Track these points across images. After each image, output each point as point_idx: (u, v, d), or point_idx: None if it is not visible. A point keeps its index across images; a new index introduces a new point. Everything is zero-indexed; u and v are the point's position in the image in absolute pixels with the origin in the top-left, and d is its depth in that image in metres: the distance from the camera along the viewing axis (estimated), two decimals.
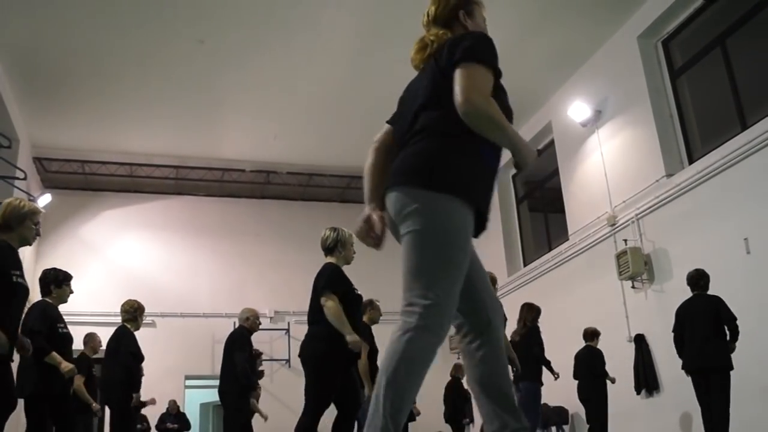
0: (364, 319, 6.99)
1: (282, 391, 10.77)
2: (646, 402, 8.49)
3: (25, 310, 4.86)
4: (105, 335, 12.05)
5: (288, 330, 13.12)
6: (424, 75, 2.60)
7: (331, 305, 4.63)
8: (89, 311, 12.28)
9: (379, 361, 2.42)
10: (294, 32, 9.15)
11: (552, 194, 11.62)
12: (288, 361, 12.90)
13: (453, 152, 2.36)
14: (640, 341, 8.51)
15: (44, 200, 11.59)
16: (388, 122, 2.86)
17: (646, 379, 8.42)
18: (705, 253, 7.39)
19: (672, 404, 7.91)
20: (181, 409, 11.76)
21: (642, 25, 9.05)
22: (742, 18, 7.89)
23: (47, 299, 5.62)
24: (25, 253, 11.39)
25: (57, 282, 5.71)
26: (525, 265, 11.97)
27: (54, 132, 11.57)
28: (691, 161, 8.45)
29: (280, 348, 13.08)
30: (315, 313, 4.79)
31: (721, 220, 7.46)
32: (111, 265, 12.88)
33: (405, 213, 2.39)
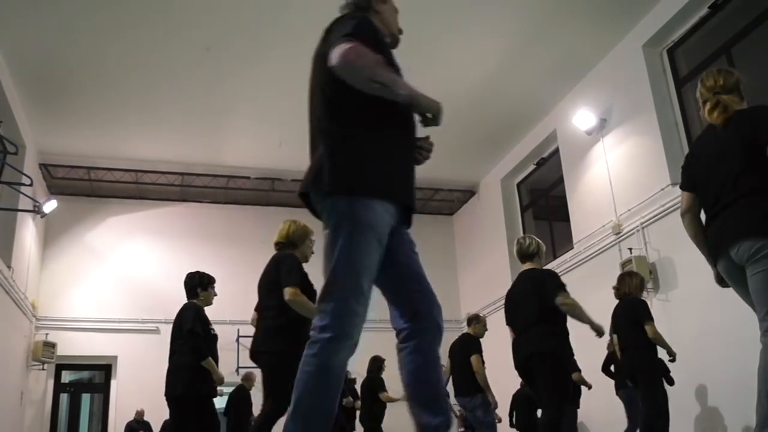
0: (470, 331, 7.35)
1: None
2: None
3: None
4: (108, 341, 12.18)
5: None
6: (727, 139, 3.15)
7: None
8: (94, 317, 12.33)
9: None
10: (300, 39, 9.12)
11: (557, 202, 11.60)
12: None
13: None
14: None
15: (50, 206, 11.63)
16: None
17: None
18: None
19: (678, 412, 7.86)
20: None
21: (647, 33, 9.05)
22: (748, 26, 7.89)
23: (195, 301, 6.01)
24: (31, 258, 11.45)
25: (203, 285, 6.15)
26: None
27: (60, 138, 11.61)
28: None
29: None
30: None
31: None
32: (116, 271, 12.90)
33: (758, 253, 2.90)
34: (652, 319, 6.11)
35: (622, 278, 6.72)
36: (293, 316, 4.38)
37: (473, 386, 7.22)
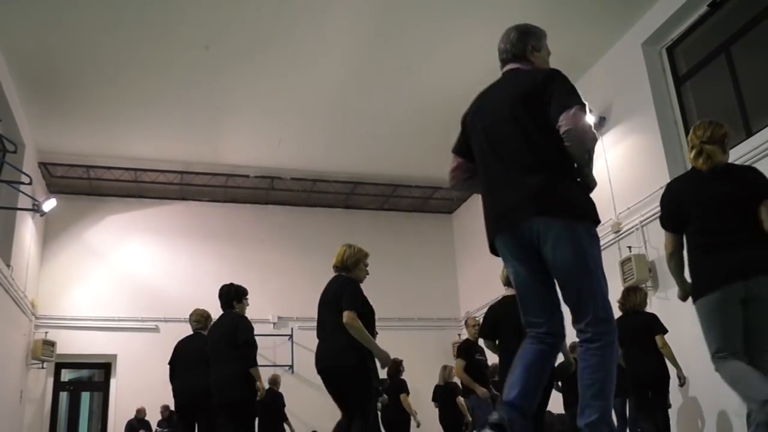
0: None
1: (286, 397, 10.74)
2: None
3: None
4: (108, 340, 12.19)
5: (291, 336, 13.12)
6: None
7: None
8: (93, 316, 12.34)
9: None
10: (299, 38, 9.18)
11: None
12: (291, 366, 12.90)
13: None
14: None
15: (49, 205, 11.62)
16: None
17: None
18: None
19: (679, 413, 7.87)
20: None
21: (646, 32, 9.05)
22: (747, 25, 7.88)
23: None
24: (30, 257, 11.45)
25: (239, 297, 6.52)
26: None
27: (59, 137, 11.61)
28: None
29: (283, 354, 13.08)
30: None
31: None
32: (115, 270, 12.91)
33: None
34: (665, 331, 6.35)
35: (628, 293, 6.80)
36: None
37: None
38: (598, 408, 2.57)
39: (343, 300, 4.77)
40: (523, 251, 2.83)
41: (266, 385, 10.31)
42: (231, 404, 5.89)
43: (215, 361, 6.08)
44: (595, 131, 2.77)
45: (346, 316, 4.67)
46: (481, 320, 6.56)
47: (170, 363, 6.95)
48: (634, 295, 6.66)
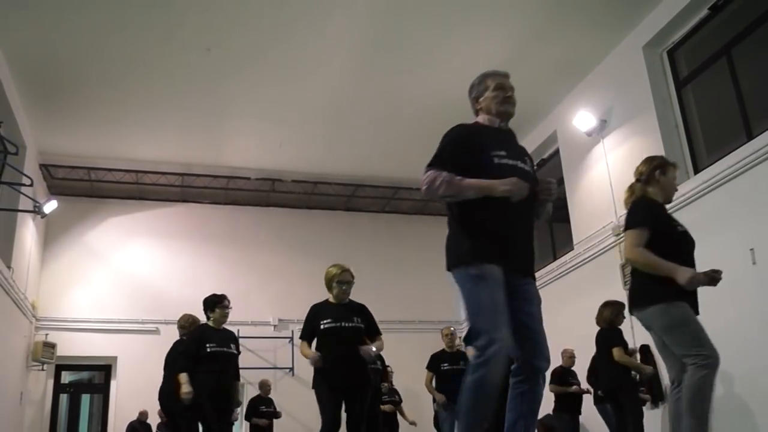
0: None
1: (285, 400, 10.74)
2: (653, 414, 8.43)
3: None
4: (108, 342, 12.18)
5: (292, 338, 13.11)
6: None
7: None
8: (94, 318, 12.33)
9: None
10: (300, 41, 9.18)
11: (557, 203, 11.55)
12: (292, 369, 12.88)
13: None
14: (645, 352, 8.46)
15: (50, 207, 11.63)
16: None
17: (651, 390, 8.37)
18: (710, 263, 7.34)
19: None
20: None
21: (647, 34, 9.05)
22: (748, 28, 7.88)
23: (208, 323, 6.57)
24: (31, 259, 11.45)
25: (211, 306, 6.55)
26: None
27: (60, 139, 11.61)
28: (696, 171, 8.42)
29: (283, 356, 13.06)
30: None
31: (727, 231, 7.42)
32: (116, 271, 12.90)
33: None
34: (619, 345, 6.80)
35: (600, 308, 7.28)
36: None
37: None
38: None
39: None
40: None
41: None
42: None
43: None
44: (428, 181, 3.03)
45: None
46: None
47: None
48: (600, 311, 7.18)
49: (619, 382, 6.75)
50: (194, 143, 12.02)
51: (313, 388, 5.20)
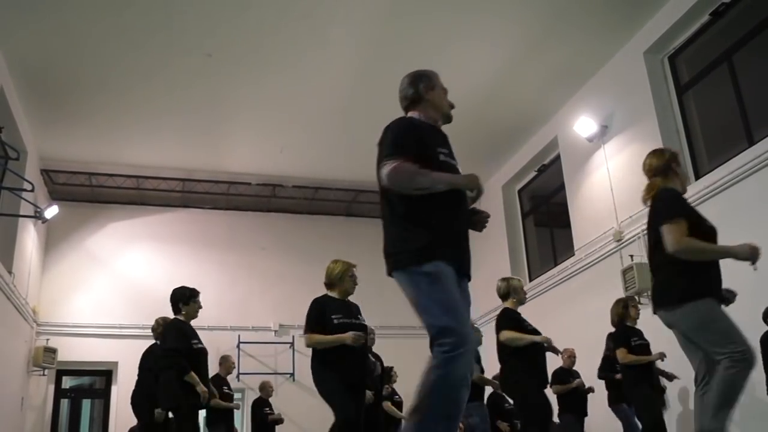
0: None
1: (286, 405, 10.73)
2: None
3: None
4: (109, 346, 12.17)
5: (293, 343, 13.10)
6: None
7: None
8: (95, 323, 12.32)
9: None
10: (301, 46, 9.20)
11: (558, 209, 11.59)
12: (292, 374, 12.87)
13: None
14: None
15: (51, 212, 11.64)
16: None
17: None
18: None
19: (682, 417, 7.85)
20: None
21: (648, 40, 9.06)
22: (749, 34, 7.89)
23: (179, 317, 6.18)
24: (32, 264, 11.45)
25: (185, 299, 6.17)
26: (530, 280, 11.93)
27: (62, 144, 11.62)
28: (697, 177, 8.42)
29: (284, 361, 13.05)
30: None
31: (728, 237, 7.36)
32: (117, 277, 12.90)
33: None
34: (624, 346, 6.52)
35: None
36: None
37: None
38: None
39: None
40: None
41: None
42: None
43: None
44: (397, 171, 2.90)
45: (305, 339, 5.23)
46: None
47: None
48: (611, 311, 6.97)
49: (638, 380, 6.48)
50: (195, 149, 12.03)
51: (319, 384, 5.06)
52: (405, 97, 3.38)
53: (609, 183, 9.62)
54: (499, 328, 5.94)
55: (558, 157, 11.34)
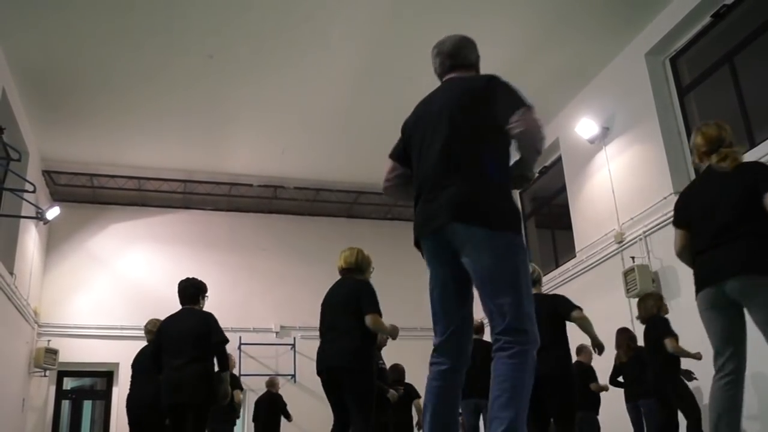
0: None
1: (288, 406, 10.70)
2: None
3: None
4: (110, 348, 12.17)
5: (294, 345, 13.09)
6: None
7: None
8: (96, 324, 12.32)
9: None
10: (303, 48, 9.20)
11: (559, 211, 11.60)
12: (293, 375, 12.87)
13: None
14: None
15: (53, 213, 11.64)
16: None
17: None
18: None
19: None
20: None
21: (650, 42, 9.07)
22: (750, 36, 7.89)
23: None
24: (33, 265, 11.46)
25: (203, 293, 6.50)
26: None
27: (63, 145, 11.64)
28: None
29: (285, 363, 13.05)
30: None
31: None
32: (118, 278, 12.90)
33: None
34: (672, 335, 6.38)
35: (639, 303, 7.01)
36: (371, 337, 4.97)
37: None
38: (504, 419, 2.50)
39: (364, 302, 4.94)
40: (443, 254, 2.83)
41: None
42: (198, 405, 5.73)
43: (181, 358, 5.84)
44: (541, 124, 2.76)
45: (371, 319, 4.86)
46: None
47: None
48: (641, 305, 6.91)
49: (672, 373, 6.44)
50: (196, 150, 12.04)
51: (366, 373, 4.84)
52: (465, 56, 3.33)
53: (610, 185, 9.62)
54: None
55: (559, 159, 11.34)
